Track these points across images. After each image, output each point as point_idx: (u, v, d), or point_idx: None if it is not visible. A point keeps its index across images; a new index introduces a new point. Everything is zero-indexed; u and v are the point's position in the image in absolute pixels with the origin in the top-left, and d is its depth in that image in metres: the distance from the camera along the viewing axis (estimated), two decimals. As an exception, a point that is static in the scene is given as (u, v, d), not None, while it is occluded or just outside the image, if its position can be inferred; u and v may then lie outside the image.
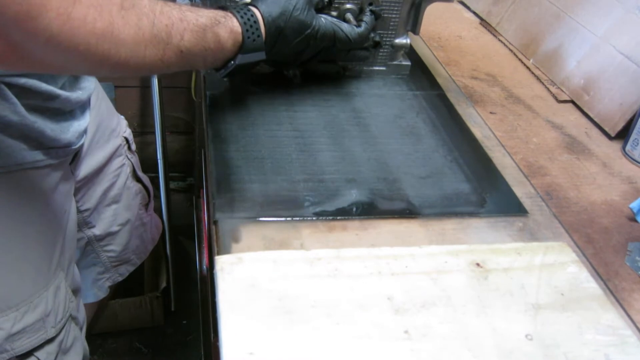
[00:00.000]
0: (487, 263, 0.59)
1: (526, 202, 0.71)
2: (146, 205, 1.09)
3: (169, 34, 0.58)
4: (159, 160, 1.51)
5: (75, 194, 0.84)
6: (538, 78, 1.05)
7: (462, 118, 0.86)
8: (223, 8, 0.70)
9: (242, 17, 0.69)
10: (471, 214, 0.67)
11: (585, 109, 0.95)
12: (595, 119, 0.93)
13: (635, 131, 0.85)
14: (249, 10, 0.70)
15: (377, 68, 0.93)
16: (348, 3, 0.82)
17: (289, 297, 0.52)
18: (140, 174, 1.05)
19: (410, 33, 0.90)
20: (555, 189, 0.76)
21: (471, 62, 1.08)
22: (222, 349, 0.47)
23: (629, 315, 0.58)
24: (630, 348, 0.52)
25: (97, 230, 0.97)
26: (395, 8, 0.85)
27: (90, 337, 1.59)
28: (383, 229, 0.63)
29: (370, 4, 0.83)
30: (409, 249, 0.60)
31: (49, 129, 0.67)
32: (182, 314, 1.64)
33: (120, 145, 0.99)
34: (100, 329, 1.54)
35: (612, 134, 0.90)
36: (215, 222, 0.61)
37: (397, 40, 0.90)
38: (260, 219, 0.62)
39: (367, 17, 0.82)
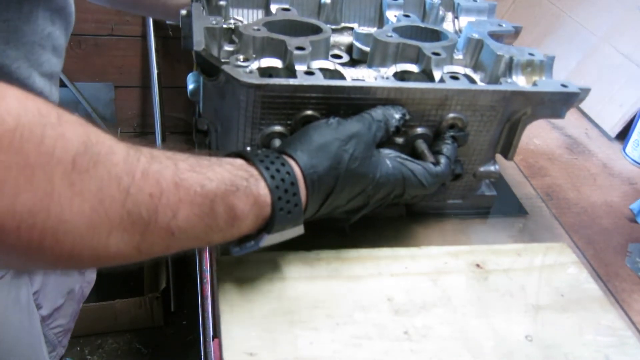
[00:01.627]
0: (487, 264, 0.59)
1: (526, 203, 0.71)
2: None
3: (152, 210, 0.38)
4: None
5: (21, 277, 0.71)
6: (538, 78, 1.05)
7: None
8: (243, 157, 0.48)
9: (272, 177, 0.46)
10: (471, 215, 0.67)
11: (585, 110, 0.95)
12: (595, 120, 0.93)
13: (635, 132, 0.85)
14: (284, 164, 0.47)
15: (451, 202, 0.67)
16: (419, 126, 0.58)
17: (289, 297, 0.52)
18: None
19: (498, 156, 0.65)
20: (556, 189, 0.76)
21: (471, 63, 1.08)
22: (222, 349, 0.47)
23: (629, 316, 0.58)
24: (630, 349, 0.52)
25: (44, 311, 0.81)
26: (484, 129, 0.60)
27: (90, 337, 1.59)
28: (383, 230, 0.63)
29: (452, 127, 0.58)
30: (409, 250, 0.60)
31: None
32: (182, 314, 1.64)
33: None
34: (100, 329, 1.55)
35: (612, 135, 0.90)
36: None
37: (482, 169, 0.64)
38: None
39: (448, 148, 0.57)
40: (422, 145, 0.58)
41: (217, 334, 0.50)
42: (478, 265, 0.59)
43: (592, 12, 1.01)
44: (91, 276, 0.95)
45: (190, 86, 0.62)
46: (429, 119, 0.58)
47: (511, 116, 0.61)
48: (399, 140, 0.58)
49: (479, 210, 0.68)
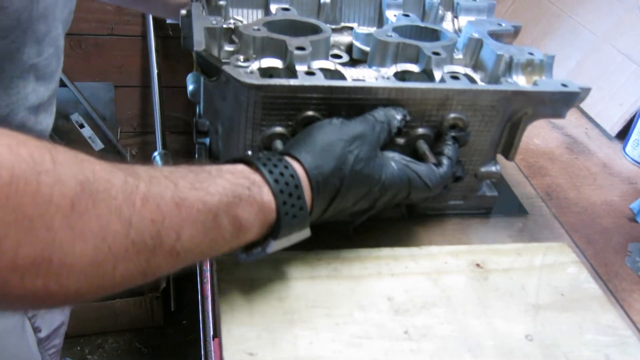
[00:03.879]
0: (487, 263, 0.59)
1: (526, 203, 0.71)
2: None
3: (156, 236, 0.37)
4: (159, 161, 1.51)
5: None
6: (538, 78, 1.05)
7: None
8: (245, 161, 0.47)
9: (276, 181, 0.45)
10: (471, 215, 0.67)
11: (585, 109, 0.96)
12: (595, 119, 0.93)
13: (635, 131, 0.85)
14: (287, 167, 0.46)
15: (452, 203, 0.67)
16: (421, 127, 0.57)
17: (289, 297, 0.52)
18: None
19: (499, 156, 0.65)
20: (556, 189, 0.76)
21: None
22: (222, 349, 0.47)
23: (629, 316, 0.58)
24: (630, 348, 0.52)
25: (43, 333, 0.80)
26: (485, 129, 0.60)
27: (90, 337, 1.59)
28: (383, 230, 0.63)
29: (453, 127, 0.58)
30: (409, 250, 0.60)
31: None
32: (182, 314, 1.64)
33: None
34: (100, 329, 1.55)
35: (612, 134, 0.90)
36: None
37: (484, 169, 0.64)
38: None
39: (449, 149, 0.57)
40: (423, 146, 0.57)
41: (217, 334, 0.50)
42: (478, 265, 0.59)
43: (592, 12, 1.01)
44: None
45: (190, 87, 0.62)
46: (430, 120, 0.57)
47: (512, 116, 0.61)
48: (400, 141, 0.57)
49: (480, 211, 0.68)
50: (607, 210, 0.73)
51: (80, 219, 0.33)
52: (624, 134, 0.88)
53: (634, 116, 0.86)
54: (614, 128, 0.90)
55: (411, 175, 0.53)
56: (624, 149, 0.87)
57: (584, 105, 0.96)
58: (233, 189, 0.43)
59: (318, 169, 0.47)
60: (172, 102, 1.77)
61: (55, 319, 0.82)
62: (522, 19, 1.12)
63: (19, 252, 0.31)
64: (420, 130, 0.57)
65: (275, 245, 0.47)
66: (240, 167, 0.46)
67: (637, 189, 0.79)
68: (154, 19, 1.60)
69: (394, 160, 0.53)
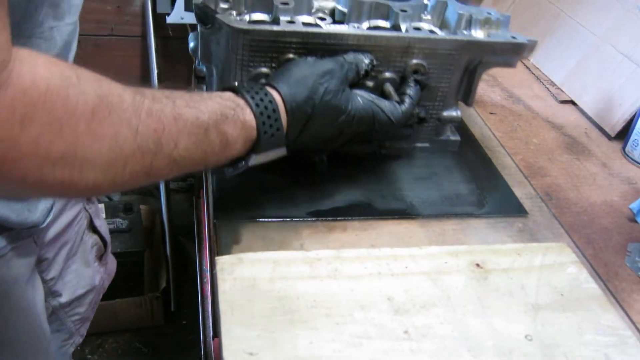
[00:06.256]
0: (486, 263, 0.59)
1: (526, 203, 0.71)
2: (101, 257, 0.94)
3: (158, 142, 0.45)
4: (159, 160, 1.51)
5: (38, 264, 0.73)
6: (538, 78, 1.05)
7: (462, 119, 0.86)
8: (232, 90, 0.55)
9: (257, 105, 0.53)
10: (471, 215, 0.67)
11: (585, 109, 0.96)
12: (595, 119, 0.93)
13: (635, 131, 0.85)
14: (267, 94, 0.55)
15: (420, 145, 0.76)
16: (387, 71, 0.66)
17: (289, 297, 0.52)
18: (97, 222, 0.91)
19: (460, 103, 0.75)
20: (555, 189, 0.76)
21: (471, 63, 1.08)
22: (222, 349, 0.47)
23: (628, 316, 0.58)
24: (629, 348, 0.52)
25: (63, 298, 0.84)
26: (445, 76, 0.69)
27: (90, 337, 1.59)
28: (383, 230, 0.63)
29: (415, 72, 0.67)
30: (409, 250, 0.60)
31: (15, 214, 0.58)
32: (182, 314, 1.64)
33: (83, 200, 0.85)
34: (100, 329, 1.55)
35: (612, 134, 0.90)
36: (215, 223, 0.61)
37: (446, 113, 0.73)
38: (260, 219, 0.62)
39: (412, 90, 0.65)
40: (389, 87, 0.66)
41: (217, 334, 0.50)
42: (478, 265, 0.59)
43: (592, 12, 1.01)
44: (112, 268, 1.00)
45: (191, 44, 0.71)
46: (395, 65, 0.66)
47: (468, 65, 0.70)
48: (370, 83, 0.66)
49: (446, 151, 0.77)
50: (607, 211, 0.74)
51: (98, 125, 0.41)
52: (623, 134, 0.88)
53: (634, 116, 0.86)
54: (614, 128, 0.90)
55: (374, 109, 0.61)
56: (623, 149, 0.87)
57: (584, 105, 0.96)
58: (221, 109, 0.51)
59: (292, 96, 0.56)
60: (172, 102, 1.77)
61: (78, 287, 0.86)
62: (522, 19, 1.13)
63: (52, 147, 0.38)
64: (387, 75, 0.67)
65: (255, 159, 0.55)
66: (228, 94, 0.54)
67: (636, 189, 0.79)
68: (154, 19, 1.60)
69: (361, 96, 0.61)
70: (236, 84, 0.64)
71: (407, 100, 0.64)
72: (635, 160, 0.85)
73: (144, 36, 1.66)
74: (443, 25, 0.71)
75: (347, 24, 0.68)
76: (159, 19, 1.60)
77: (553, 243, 0.64)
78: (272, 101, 0.54)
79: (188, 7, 1.07)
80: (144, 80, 1.74)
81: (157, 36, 1.63)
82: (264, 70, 0.63)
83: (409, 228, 0.64)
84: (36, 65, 0.38)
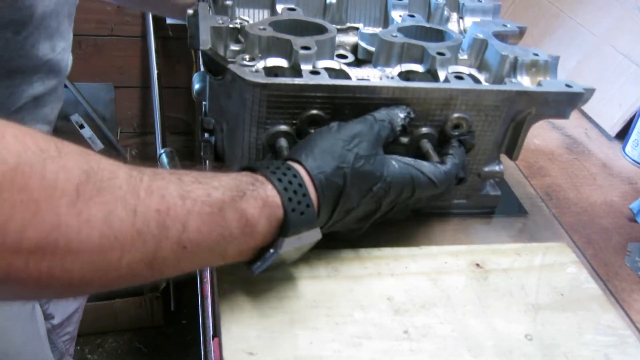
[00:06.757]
0: (486, 263, 0.59)
1: (526, 203, 0.71)
2: None
3: (162, 225, 0.38)
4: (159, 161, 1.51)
5: None
6: (538, 78, 1.05)
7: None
8: (249, 169, 0.48)
9: (279, 180, 0.45)
10: (472, 215, 0.67)
11: (585, 110, 0.96)
12: (595, 120, 0.93)
13: (635, 131, 0.85)
14: (290, 168, 0.47)
15: (456, 202, 0.67)
16: (424, 126, 0.57)
17: (288, 297, 0.52)
18: None
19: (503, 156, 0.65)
20: (555, 189, 0.76)
21: (471, 63, 1.08)
22: (222, 348, 0.47)
23: (628, 316, 0.58)
24: (630, 348, 0.52)
25: (56, 320, 0.81)
26: (489, 129, 0.60)
27: (90, 337, 1.59)
28: (383, 230, 0.63)
29: (456, 127, 0.57)
30: (409, 250, 0.60)
31: None
32: (182, 313, 1.64)
33: None
34: (100, 329, 1.55)
35: (612, 135, 0.90)
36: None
37: (487, 169, 0.64)
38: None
39: (455, 150, 0.57)
40: (427, 145, 0.57)
41: (217, 334, 0.50)
42: (478, 265, 0.59)
43: (592, 12, 1.01)
44: None
45: (197, 86, 0.62)
46: (434, 119, 0.57)
47: (516, 116, 0.60)
48: (404, 140, 0.57)
49: (484, 210, 0.68)
50: (607, 211, 0.74)
51: (85, 206, 0.33)
52: (623, 134, 0.88)
53: (634, 116, 0.86)
54: (614, 128, 0.90)
55: (413, 172, 0.53)
56: (623, 149, 0.87)
57: (584, 105, 0.96)
58: (237, 184, 0.43)
59: (319, 168, 0.47)
60: (172, 103, 1.77)
61: (69, 306, 0.83)
62: (522, 19, 1.12)
63: (25, 234, 0.31)
64: (424, 130, 0.57)
65: (287, 244, 0.45)
66: (244, 172, 0.47)
67: (636, 189, 0.79)
68: (154, 19, 1.60)
69: (396, 160, 0.53)
70: (249, 141, 0.56)
71: (449, 161, 0.56)
72: (635, 160, 0.85)
73: (144, 36, 1.66)
74: (482, 67, 0.65)
75: (375, 67, 0.61)
76: (159, 19, 1.60)
77: (553, 243, 0.64)
78: (296, 175, 0.46)
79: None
80: (144, 80, 1.75)
81: (157, 36, 1.63)
82: (284, 128, 0.55)
83: (408, 228, 0.64)
84: (4, 137, 0.31)
